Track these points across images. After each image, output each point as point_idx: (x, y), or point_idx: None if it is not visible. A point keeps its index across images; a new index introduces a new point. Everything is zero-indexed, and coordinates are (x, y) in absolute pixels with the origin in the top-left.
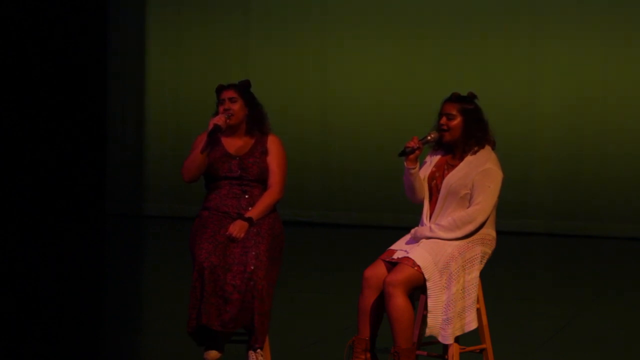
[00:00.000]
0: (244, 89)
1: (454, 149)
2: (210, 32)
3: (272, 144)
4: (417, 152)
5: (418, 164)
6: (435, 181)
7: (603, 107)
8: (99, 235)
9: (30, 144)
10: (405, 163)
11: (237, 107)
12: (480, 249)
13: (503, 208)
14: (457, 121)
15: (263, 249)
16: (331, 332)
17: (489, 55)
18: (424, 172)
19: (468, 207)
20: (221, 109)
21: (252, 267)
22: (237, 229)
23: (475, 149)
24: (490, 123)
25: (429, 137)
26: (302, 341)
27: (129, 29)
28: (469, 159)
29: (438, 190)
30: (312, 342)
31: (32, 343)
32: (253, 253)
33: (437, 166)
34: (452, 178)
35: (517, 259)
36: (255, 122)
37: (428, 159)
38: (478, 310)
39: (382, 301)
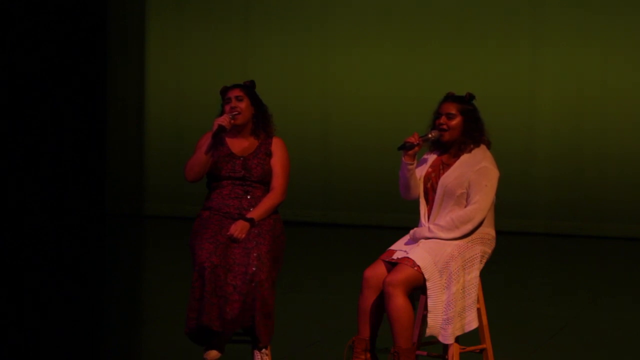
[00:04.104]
0: (249, 88)
1: (449, 148)
2: (210, 32)
3: (277, 146)
4: (416, 148)
5: (416, 161)
6: (431, 182)
7: (603, 107)
8: (99, 235)
9: (30, 144)
10: (403, 158)
11: (243, 105)
12: (480, 249)
13: (503, 208)
14: (456, 121)
15: (264, 250)
16: (331, 332)
17: (490, 56)
18: (420, 172)
19: (465, 207)
20: (227, 108)
21: (254, 269)
22: (238, 229)
23: (471, 146)
24: (489, 123)
25: (429, 135)
26: (302, 341)
27: (129, 29)
28: (464, 157)
29: (434, 191)
30: (312, 342)
31: (32, 343)
32: (255, 254)
33: (433, 166)
34: (448, 178)
35: (517, 259)
36: (261, 122)
37: (425, 158)
38: (478, 310)
39: (382, 301)
